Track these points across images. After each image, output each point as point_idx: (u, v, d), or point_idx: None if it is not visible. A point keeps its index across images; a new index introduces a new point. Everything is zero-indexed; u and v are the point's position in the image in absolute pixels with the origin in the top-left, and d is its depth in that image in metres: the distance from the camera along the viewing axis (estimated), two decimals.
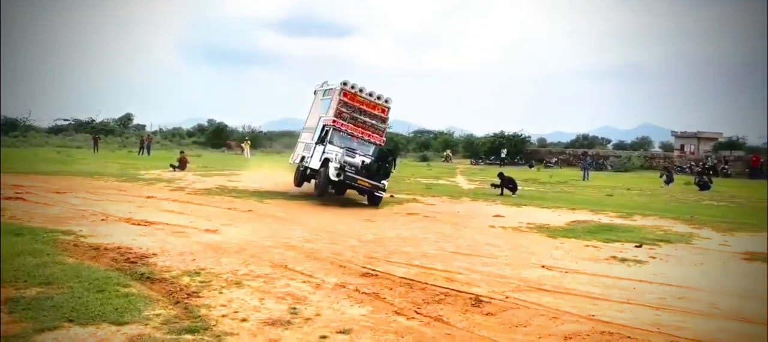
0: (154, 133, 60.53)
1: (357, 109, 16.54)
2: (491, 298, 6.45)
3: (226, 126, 66.01)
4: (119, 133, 57.79)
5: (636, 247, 10.12)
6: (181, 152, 29.48)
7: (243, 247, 8.93)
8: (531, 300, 6.46)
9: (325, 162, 15.66)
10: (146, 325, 5.02)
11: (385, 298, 6.40)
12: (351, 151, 16.01)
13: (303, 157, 17.70)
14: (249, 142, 49.76)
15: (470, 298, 6.43)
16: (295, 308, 5.82)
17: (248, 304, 5.89)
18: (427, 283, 7.06)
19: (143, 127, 65.83)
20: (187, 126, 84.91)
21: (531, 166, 45.35)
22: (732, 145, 51.36)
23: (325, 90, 18.03)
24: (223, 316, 5.48)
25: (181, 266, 7.42)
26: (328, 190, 16.15)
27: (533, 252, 9.50)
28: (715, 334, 5.45)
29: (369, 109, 16.78)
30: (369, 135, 16.67)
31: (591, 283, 7.41)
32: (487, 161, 50.46)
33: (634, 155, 48.63)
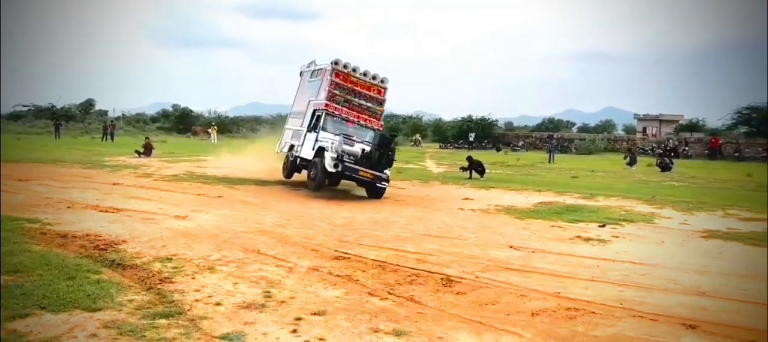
0: (117, 118, 59.28)
1: (351, 91, 15.03)
2: (461, 278, 6.61)
3: (191, 111, 65.02)
4: (81, 119, 56.37)
5: (600, 227, 10.43)
6: (147, 138, 28.97)
7: (214, 233, 8.90)
8: (500, 279, 6.64)
9: (320, 151, 14.15)
10: (120, 310, 5.01)
11: (358, 280, 6.49)
12: (348, 138, 14.39)
13: (292, 146, 16.30)
14: (216, 127, 49.18)
15: (441, 279, 6.57)
16: (269, 292, 5.87)
17: (222, 289, 5.91)
18: (399, 265, 7.17)
19: (105, 112, 64.40)
20: (151, 111, 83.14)
21: (498, 150, 45.98)
22: (692, 127, 52.91)
23: (314, 71, 16.43)
24: (197, 300, 5.49)
25: (151, 253, 7.38)
26: (325, 182, 14.58)
27: (501, 233, 9.72)
28: (674, 308, 5.70)
29: (364, 91, 15.23)
30: (365, 119, 15.13)
31: (557, 262, 7.63)
32: (456, 145, 50.97)
33: (597, 138, 49.69)
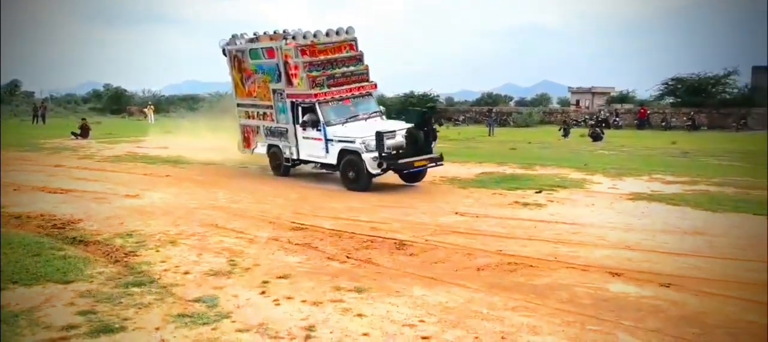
0: (46, 100, 56.66)
1: (324, 63, 12.69)
2: (413, 242, 7.12)
3: (124, 91, 62.94)
4: (7, 102, 53.58)
5: (536, 193, 11.17)
6: (83, 119, 28.06)
7: (169, 210, 9.06)
8: (448, 241, 7.19)
9: (345, 155, 11.84)
10: (92, 282, 5.23)
11: (317, 247, 6.89)
12: (352, 119, 12.42)
13: (271, 145, 13.88)
14: (152, 107, 47.86)
15: (395, 243, 7.06)
16: (233, 260, 6.19)
17: (187, 259, 6.18)
18: (354, 233, 7.61)
19: (32, 94, 61.44)
20: (82, 92, 79.54)
21: (440, 125, 46.87)
22: (623, 98, 55.50)
23: (254, 50, 13.64)
24: (165, 270, 5.76)
25: (110, 230, 7.52)
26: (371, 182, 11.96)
27: (447, 201, 10.30)
28: (603, 260, 6.39)
29: (337, 55, 12.91)
30: (358, 88, 12.90)
31: (498, 225, 8.27)
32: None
33: (534, 111, 51.33)
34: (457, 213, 9.14)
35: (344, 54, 13.07)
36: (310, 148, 12.74)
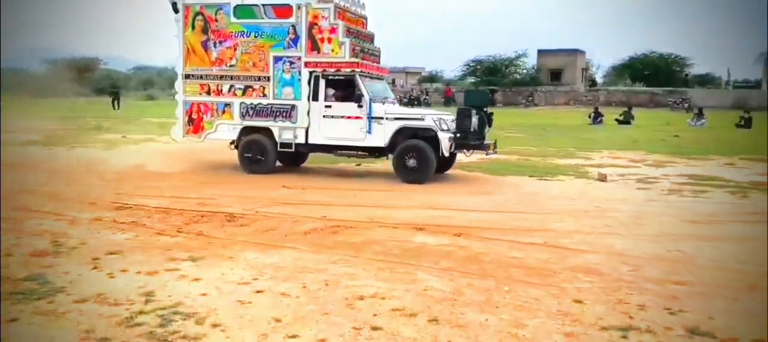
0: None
1: (355, 34, 11.23)
2: (243, 214, 7.56)
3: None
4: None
5: (356, 165, 12.17)
6: None
7: None
8: (277, 211, 7.76)
9: (402, 138, 10.36)
10: None
11: (145, 224, 7.01)
12: (383, 100, 10.92)
13: (247, 131, 11.27)
14: None
15: (225, 216, 7.44)
16: (57, 241, 6.10)
17: (4, 242, 5.96)
18: (183, 209, 7.80)
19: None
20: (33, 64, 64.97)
21: None
22: (432, 78, 60.12)
23: (244, 7, 11.11)
24: None
25: None
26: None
27: (277, 177, 10.81)
28: (410, 219, 7.43)
29: (360, 29, 11.70)
30: (378, 69, 11.71)
31: (322, 194, 9.04)
32: None
33: None
34: (284, 186, 9.72)
35: (361, 29, 11.77)
36: (338, 129, 10.70)
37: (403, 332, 3.94)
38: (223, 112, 11.43)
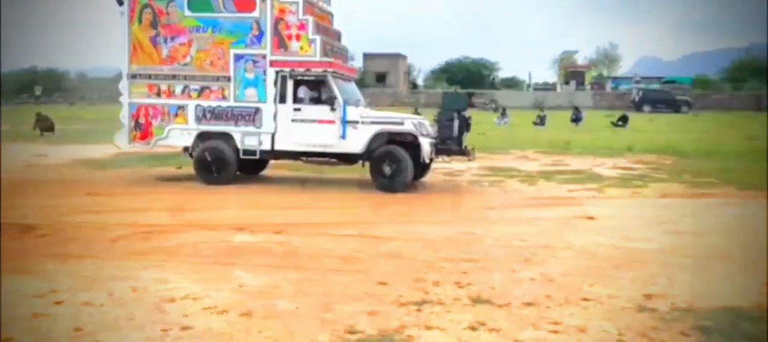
0: None
1: (325, 31, 10.40)
2: (42, 225, 6.97)
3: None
4: None
5: (177, 168, 11.71)
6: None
7: None
8: (79, 220, 7.26)
9: (380, 144, 9.61)
10: None
11: None
12: (356, 102, 10.21)
13: (203, 137, 10.16)
14: None
15: (19, 227, 6.79)
16: None
17: None
18: None
19: None
20: None
21: (72, 104, 42.53)
22: None
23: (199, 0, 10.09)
24: None
25: None
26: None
27: (79, 180, 10.08)
28: (231, 219, 7.41)
29: (328, 25, 10.91)
30: (348, 69, 11.20)
31: (137, 201, 8.65)
32: (18, 101, 44.63)
33: None
34: (88, 194, 9.11)
35: (329, 26, 10.87)
36: (308, 134, 9.83)
37: (214, 328, 4.00)
38: (176, 115, 10.25)
